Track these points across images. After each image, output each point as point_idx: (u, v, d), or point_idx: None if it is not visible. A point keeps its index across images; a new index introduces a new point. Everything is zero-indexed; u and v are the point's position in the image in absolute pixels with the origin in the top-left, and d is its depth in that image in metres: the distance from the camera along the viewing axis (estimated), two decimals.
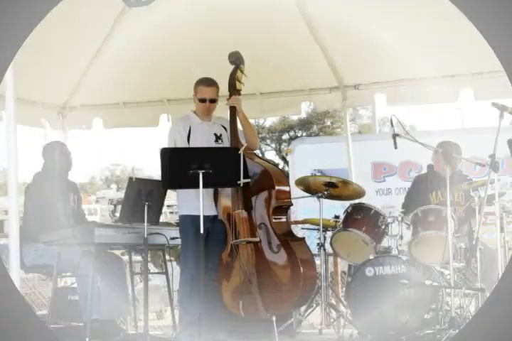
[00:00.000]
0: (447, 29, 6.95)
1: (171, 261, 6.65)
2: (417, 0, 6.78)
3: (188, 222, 5.80)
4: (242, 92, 6.06)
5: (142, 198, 5.83)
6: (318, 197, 6.31)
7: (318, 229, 6.37)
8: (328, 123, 37.88)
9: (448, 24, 6.91)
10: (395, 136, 5.80)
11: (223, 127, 6.04)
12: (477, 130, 13.26)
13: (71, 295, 6.71)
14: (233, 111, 5.96)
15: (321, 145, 14.50)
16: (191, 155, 5.49)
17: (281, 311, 5.87)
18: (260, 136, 34.84)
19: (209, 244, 5.72)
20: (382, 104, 7.90)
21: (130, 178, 5.95)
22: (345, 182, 6.46)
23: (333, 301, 6.75)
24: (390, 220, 6.21)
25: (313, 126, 38.11)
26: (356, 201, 6.67)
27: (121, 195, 6.74)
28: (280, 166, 29.53)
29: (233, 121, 5.95)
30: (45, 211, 6.13)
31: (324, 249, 6.36)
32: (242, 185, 5.50)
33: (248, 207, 5.81)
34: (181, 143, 5.88)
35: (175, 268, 6.41)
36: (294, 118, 36.46)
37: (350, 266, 6.43)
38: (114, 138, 75.94)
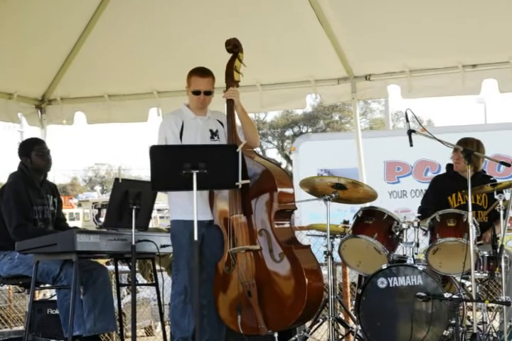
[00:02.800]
0: (468, 14, 6.96)
1: (161, 271, 6.66)
2: None
3: (180, 228, 5.80)
4: (240, 84, 6.05)
5: (130, 201, 5.83)
6: (325, 200, 6.30)
7: (325, 236, 6.37)
8: (336, 118, 37.99)
9: (470, 8, 6.93)
10: (410, 132, 5.80)
11: (220, 122, 6.04)
12: (502, 125, 13.33)
13: (50, 309, 6.72)
14: (231, 104, 5.96)
15: (328, 142, 14.57)
16: (184, 153, 5.49)
17: (284, 327, 5.87)
18: (261, 132, 34.94)
19: (204, 252, 5.72)
20: (396, 97, 7.89)
21: (116, 179, 5.96)
22: (355, 184, 6.45)
23: (341, 316, 6.75)
24: (404, 226, 6.21)
25: (320, 121, 38.21)
26: (367, 204, 6.68)
27: (107, 197, 6.75)
28: (283, 166, 29.60)
29: (231, 115, 5.95)
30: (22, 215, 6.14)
31: (332, 258, 6.36)
32: (240, 186, 5.50)
33: (247, 211, 5.81)
34: (173, 140, 5.88)
35: (166, 279, 6.41)
36: (299, 112, 36.64)
37: (360, 277, 6.43)
38: (98, 135, 76.20)
